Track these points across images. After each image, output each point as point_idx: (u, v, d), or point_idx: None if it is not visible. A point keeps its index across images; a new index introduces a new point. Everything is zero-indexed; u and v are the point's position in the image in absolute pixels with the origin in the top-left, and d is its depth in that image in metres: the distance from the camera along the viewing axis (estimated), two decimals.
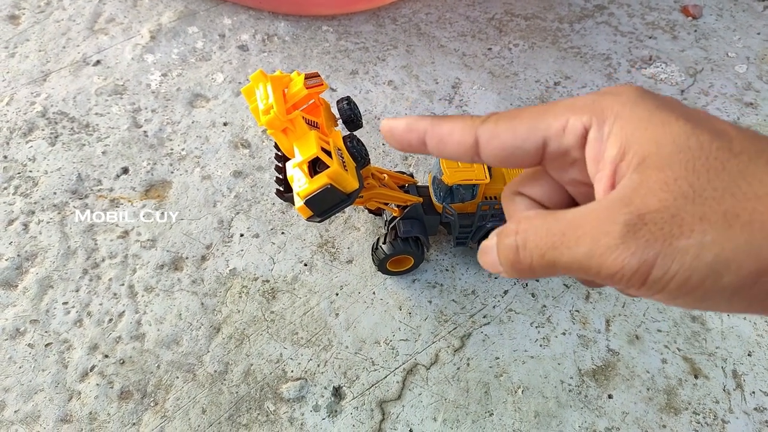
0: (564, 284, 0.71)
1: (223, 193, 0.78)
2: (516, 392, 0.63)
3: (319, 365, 0.65)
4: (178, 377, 0.63)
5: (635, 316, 0.69)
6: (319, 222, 0.51)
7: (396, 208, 0.66)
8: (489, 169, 0.62)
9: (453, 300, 0.70)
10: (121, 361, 0.64)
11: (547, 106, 0.27)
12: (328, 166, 0.46)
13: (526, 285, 0.71)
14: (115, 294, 0.69)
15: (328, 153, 0.47)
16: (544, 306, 0.69)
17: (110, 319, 0.67)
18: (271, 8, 1.00)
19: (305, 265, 0.72)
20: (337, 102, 0.54)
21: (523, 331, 0.67)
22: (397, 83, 0.92)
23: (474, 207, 0.64)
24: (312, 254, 0.73)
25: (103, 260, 0.71)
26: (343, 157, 0.50)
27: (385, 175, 0.63)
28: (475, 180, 0.60)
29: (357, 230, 0.75)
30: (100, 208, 0.76)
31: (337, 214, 0.75)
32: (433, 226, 0.68)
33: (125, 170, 0.80)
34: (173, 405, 0.62)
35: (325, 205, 0.48)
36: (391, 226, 0.67)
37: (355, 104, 0.55)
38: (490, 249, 0.27)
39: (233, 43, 0.96)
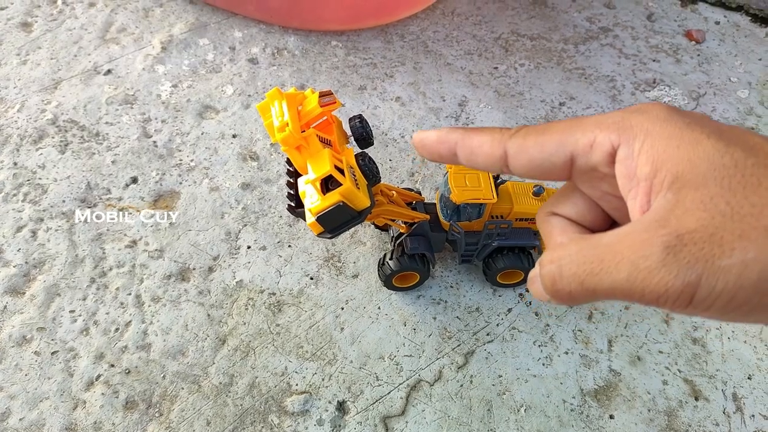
0: None
1: (231, 205, 0.78)
2: (518, 411, 0.64)
3: (323, 379, 0.65)
4: (183, 388, 0.64)
5: (637, 337, 0.69)
6: (330, 238, 0.52)
7: (403, 225, 0.67)
8: (496, 188, 0.63)
9: (457, 317, 0.70)
10: (127, 371, 0.65)
11: (575, 121, 0.27)
12: (341, 184, 0.47)
13: (530, 304, 0.72)
14: (122, 303, 0.69)
15: (341, 171, 0.48)
16: (547, 325, 0.70)
17: (117, 329, 0.67)
18: (281, 22, 1.01)
19: (311, 278, 0.73)
20: (350, 120, 0.55)
21: (526, 350, 0.68)
22: (404, 99, 0.93)
23: (480, 225, 0.65)
24: (318, 268, 0.74)
25: (111, 269, 0.72)
26: (355, 175, 0.51)
27: (394, 192, 0.63)
28: (483, 199, 0.61)
29: (363, 245, 0.76)
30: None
31: None
32: (439, 243, 0.69)
33: (134, 180, 0.80)
34: (178, 416, 0.62)
35: (336, 222, 0.49)
36: (398, 242, 0.68)
37: (366, 122, 0.56)
38: (537, 278, 0.28)
39: (243, 56, 0.97)
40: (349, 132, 0.56)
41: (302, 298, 0.71)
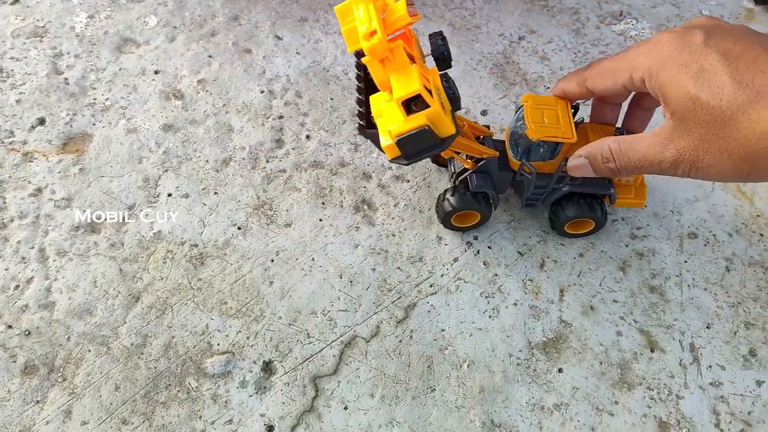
0: (518, 252, 0.66)
1: (150, 149, 0.70)
2: (461, 366, 0.59)
3: (248, 337, 0.59)
4: (90, 350, 0.57)
5: (591, 286, 0.65)
6: (406, 164, 0.47)
7: (469, 160, 0.60)
8: (575, 126, 0.56)
9: (398, 268, 0.64)
10: (27, 332, 0.58)
11: (621, 62, 0.48)
12: (427, 105, 0.42)
13: (478, 253, 0.66)
14: (23, 258, 0.62)
15: (429, 92, 0.43)
16: (496, 275, 0.65)
17: (17, 286, 0.60)
18: None
19: (239, 228, 0.66)
20: (430, 36, 0.49)
21: (471, 302, 0.63)
22: None
23: (551, 167, 0.58)
24: (247, 217, 0.67)
25: (12, 220, 0.64)
26: (441, 98, 0.45)
27: (465, 123, 0.57)
28: (562, 138, 0.54)
29: (298, 191, 0.69)
30: (11, 162, 0.68)
31: (279, 174, 0.69)
32: (503, 184, 0.63)
33: (41, 121, 0.72)
34: (83, 381, 0.56)
35: (417, 147, 0.45)
36: (460, 178, 0.62)
37: (446, 40, 0.49)
38: (584, 166, 0.53)
39: None
40: (425, 50, 0.50)
41: (228, 249, 0.64)
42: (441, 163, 0.71)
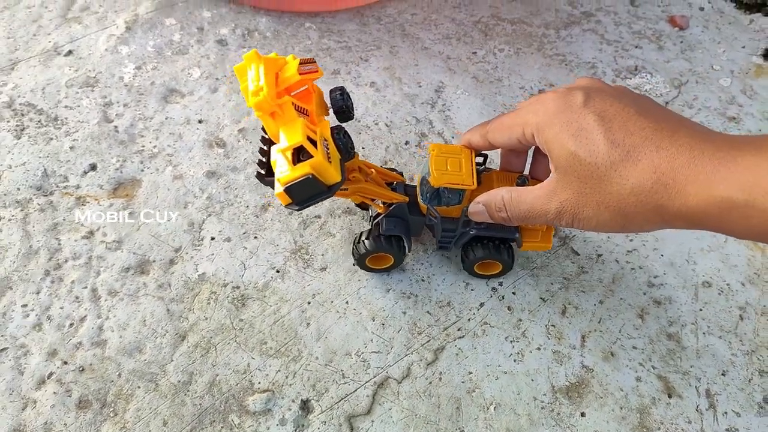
0: (541, 298, 0.70)
1: (194, 194, 0.75)
2: (488, 409, 0.62)
3: (287, 377, 0.63)
4: (139, 387, 0.61)
5: (611, 332, 0.68)
6: (298, 210, 0.51)
7: (381, 205, 0.64)
8: (478, 175, 0.61)
9: (428, 311, 0.68)
10: (81, 369, 0.62)
11: (515, 118, 0.51)
12: (312, 156, 0.46)
13: (503, 298, 0.70)
14: (77, 297, 0.66)
15: (314, 143, 0.47)
16: (520, 320, 0.68)
17: (71, 324, 0.64)
18: (253, 2, 0.97)
19: (277, 271, 0.70)
20: (330, 91, 0.53)
21: (497, 346, 0.66)
22: (379, 85, 0.90)
23: (457, 212, 0.63)
24: (285, 260, 0.71)
25: (66, 261, 0.69)
26: (328, 149, 0.49)
27: (373, 170, 0.61)
28: (461, 185, 0.58)
29: (332, 236, 0.73)
30: (65, 206, 0.73)
31: (314, 220, 0.73)
32: (417, 227, 0.67)
33: (93, 167, 0.77)
34: (133, 416, 0.59)
35: (304, 194, 0.48)
36: (374, 222, 0.66)
37: (348, 95, 0.54)
38: (482, 212, 0.58)
39: (212, 37, 0.93)
40: (329, 104, 0.54)
41: (267, 291, 0.68)
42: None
